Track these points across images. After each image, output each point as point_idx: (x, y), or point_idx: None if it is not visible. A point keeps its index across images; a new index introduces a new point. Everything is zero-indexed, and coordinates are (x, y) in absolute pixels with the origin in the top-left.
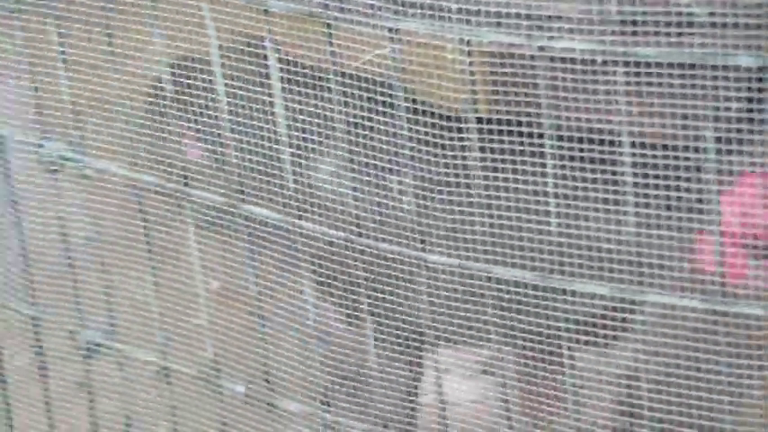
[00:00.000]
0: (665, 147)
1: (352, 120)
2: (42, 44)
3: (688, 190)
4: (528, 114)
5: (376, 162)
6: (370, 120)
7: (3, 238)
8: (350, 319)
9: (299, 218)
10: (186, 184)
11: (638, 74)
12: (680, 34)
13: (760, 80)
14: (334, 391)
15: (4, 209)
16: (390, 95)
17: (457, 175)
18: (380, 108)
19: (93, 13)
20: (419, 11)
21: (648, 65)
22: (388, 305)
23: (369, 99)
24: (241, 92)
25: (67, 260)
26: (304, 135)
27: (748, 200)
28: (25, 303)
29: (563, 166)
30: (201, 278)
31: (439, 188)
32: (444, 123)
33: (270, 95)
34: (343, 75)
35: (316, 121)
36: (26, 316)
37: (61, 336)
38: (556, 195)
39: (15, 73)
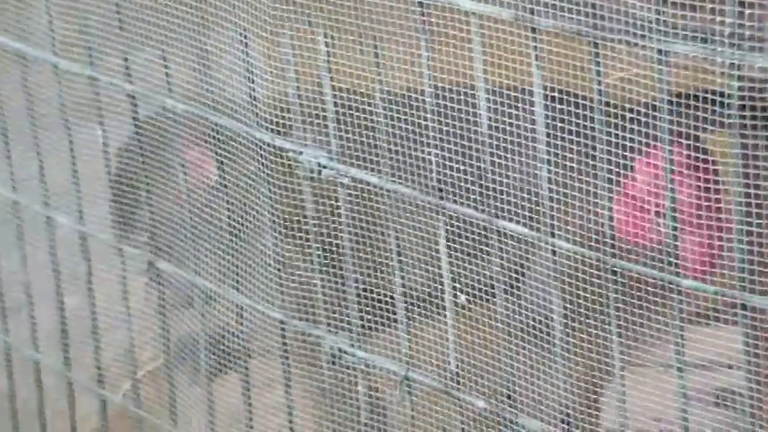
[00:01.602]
0: None
1: (613, 140)
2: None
3: None
4: None
5: (635, 183)
6: (632, 141)
7: (254, 241)
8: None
9: (552, 236)
10: (441, 198)
11: None
12: None
13: None
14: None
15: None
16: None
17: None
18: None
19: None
20: (688, 33)
21: None
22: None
23: (632, 120)
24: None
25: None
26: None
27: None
28: (273, 307)
29: None
30: (449, 291)
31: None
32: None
33: (532, 113)
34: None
35: (575, 139)
36: (273, 319)
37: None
38: None
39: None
